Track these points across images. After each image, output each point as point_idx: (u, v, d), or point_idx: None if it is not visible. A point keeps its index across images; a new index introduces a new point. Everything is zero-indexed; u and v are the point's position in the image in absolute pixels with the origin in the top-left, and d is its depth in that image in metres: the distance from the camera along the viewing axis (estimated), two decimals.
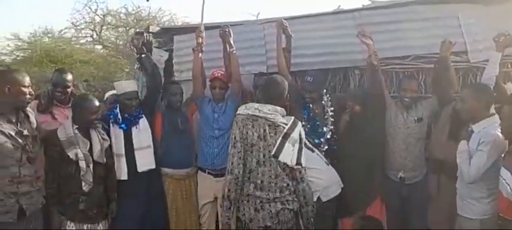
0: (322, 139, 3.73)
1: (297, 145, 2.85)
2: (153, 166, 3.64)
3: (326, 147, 3.70)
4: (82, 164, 3.10)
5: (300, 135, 2.88)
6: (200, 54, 3.86)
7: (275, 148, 2.81)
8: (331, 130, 3.75)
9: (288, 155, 2.82)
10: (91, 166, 3.16)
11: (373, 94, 3.66)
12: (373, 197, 3.63)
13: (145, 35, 3.82)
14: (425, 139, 3.64)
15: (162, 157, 3.74)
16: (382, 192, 3.66)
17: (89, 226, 3.21)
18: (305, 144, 3.04)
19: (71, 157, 3.09)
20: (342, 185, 3.44)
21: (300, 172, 2.88)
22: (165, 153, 3.77)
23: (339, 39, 4.31)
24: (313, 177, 3.13)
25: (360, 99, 3.62)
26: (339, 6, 5.01)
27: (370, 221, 3.28)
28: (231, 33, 3.83)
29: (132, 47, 3.92)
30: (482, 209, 2.87)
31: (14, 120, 2.86)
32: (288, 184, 2.86)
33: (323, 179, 3.31)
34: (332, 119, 3.77)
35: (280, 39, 3.83)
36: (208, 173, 3.78)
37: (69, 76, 3.64)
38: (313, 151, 3.43)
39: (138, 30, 7.28)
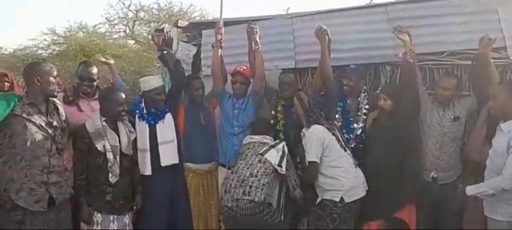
0: (351, 135, 3.67)
1: (280, 152, 3.40)
2: (177, 161, 3.65)
3: (354, 144, 3.63)
4: (109, 156, 3.14)
5: (283, 148, 3.45)
6: (219, 50, 3.84)
7: (263, 150, 3.42)
8: (361, 127, 3.69)
9: (272, 157, 3.36)
10: (118, 158, 3.19)
11: (408, 91, 3.52)
12: (404, 198, 3.47)
13: (165, 31, 3.81)
14: (463, 139, 3.50)
15: (184, 151, 3.76)
16: (413, 192, 3.51)
17: (116, 216, 3.25)
18: (339, 141, 3.37)
19: (99, 148, 3.13)
20: (367, 188, 3.38)
21: (295, 180, 3.47)
22: (187, 147, 3.79)
23: (370, 34, 4.18)
24: (339, 176, 3.29)
25: (395, 95, 3.50)
26: (371, 0, 4.88)
27: (394, 222, 3.22)
28: (257, 30, 3.79)
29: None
30: (510, 211, 2.76)
31: (44, 111, 2.93)
32: (258, 178, 3.24)
33: (349, 179, 3.31)
34: (365, 117, 3.70)
35: (325, 48, 3.63)
36: (229, 169, 3.74)
37: (95, 70, 3.70)
38: (345, 150, 3.39)
39: (167, 25, 7.33)
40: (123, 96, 3.30)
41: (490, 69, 3.34)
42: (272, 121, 3.82)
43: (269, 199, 3.21)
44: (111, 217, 3.23)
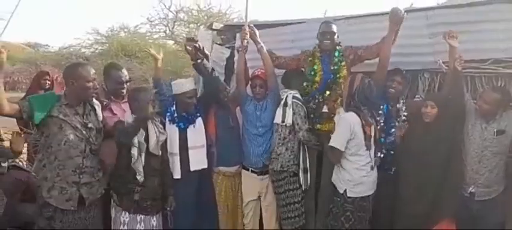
0: (387, 140, 3.55)
1: (282, 108, 3.67)
2: (205, 166, 3.67)
3: (385, 151, 3.50)
4: (134, 151, 3.13)
5: (286, 99, 3.69)
6: (244, 54, 3.87)
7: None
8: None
9: (278, 117, 3.70)
10: (143, 155, 3.18)
11: (454, 101, 3.39)
12: (444, 213, 3.34)
13: (198, 43, 3.78)
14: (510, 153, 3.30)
15: (217, 155, 3.78)
16: (451, 207, 3.36)
17: (143, 217, 3.27)
18: (366, 140, 3.29)
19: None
20: (375, 189, 3.37)
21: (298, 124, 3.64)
22: (220, 151, 3.80)
23: (409, 40, 4.02)
24: (350, 170, 3.32)
25: (442, 104, 3.35)
26: (412, 4, 4.73)
27: None
28: (256, 31, 3.86)
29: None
30: None
31: (80, 112, 3.00)
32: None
33: (358, 176, 3.30)
34: (404, 124, 3.60)
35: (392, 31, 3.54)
36: (252, 172, 3.82)
37: (125, 72, 3.70)
38: (367, 150, 3.30)
39: (202, 27, 7.39)
40: (151, 96, 3.30)
41: None
42: (309, 74, 3.80)
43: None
44: (138, 218, 3.25)
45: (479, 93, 3.56)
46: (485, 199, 3.28)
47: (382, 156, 3.43)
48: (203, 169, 3.66)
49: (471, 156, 3.30)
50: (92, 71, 3.03)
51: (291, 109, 3.62)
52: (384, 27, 4.00)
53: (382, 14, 4.28)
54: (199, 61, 3.72)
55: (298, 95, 3.71)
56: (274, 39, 4.32)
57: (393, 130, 3.57)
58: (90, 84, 2.99)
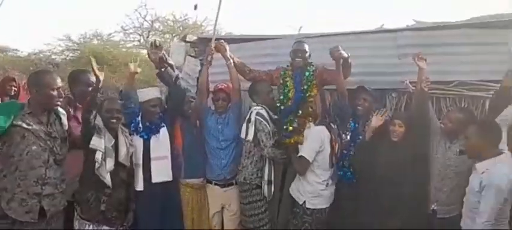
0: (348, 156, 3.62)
1: (245, 123, 3.70)
2: (170, 179, 3.59)
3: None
4: (98, 155, 3.06)
5: (250, 115, 3.70)
6: (207, 68, 3.91)
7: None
8: None
9: (243, 132, 3.71)
10: (110, 161, 3.12)
11: (420, 121, 3.45)
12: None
13: (162, 52, 3.72)
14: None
15: (184, 167, 3.75)
16: (414, 224, 3.41)
17: (107, 229, 3.20)
18: (331, 155, 3.47)
19: (90, 146, 3.06)
20: (330, 202, 3.50)
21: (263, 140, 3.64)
22: (186, 163, 3.78)
23: (378, 60, 4.14)
24: (312, 182, 3.47)
25: (409, 123, 3.42)
26: (382, 25, 4.85)
27: None
28: (227, 46, 3.91)
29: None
30: None
31: (44, 121, 2.91)
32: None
33: (318, 189, 3.46)
34: None
35: (339, 66, 3.63)
36: (216, 184, 3.84)
37: (92, 76, 3.54)
38: (332, 166, 3.50)
39: (176, 39, 7.35)
40: (118, 106, 3.27)
41: (510, 102, 3.23)
42: (281, 90, 3.86)
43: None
44: (103, 228, 3.18)
45: (445, 113, 3.67)
46: (446, 216, 3.35)
47: (341, 173, 3.57)
48: (168, 182, 3.58)
49: (435, 174, 3.37)
50: (58, 79, 2.94)
51: (253, 126, 3.66)
52: (356, 46, 4.11)
53: (355, 33, 4.40)
54: (163, 70, 3.65)
55: (262, 111, 3.72)
56: (249, 53, 4.35)
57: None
58: (55, 92, 2.89)
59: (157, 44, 3.63)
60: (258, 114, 3.69)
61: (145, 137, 3.54)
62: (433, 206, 3.37)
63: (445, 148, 3.37)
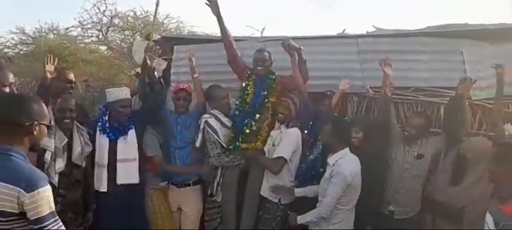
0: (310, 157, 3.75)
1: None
2: (136, 181, 3.54)
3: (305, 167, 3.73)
4: (47, 155, 3.00)
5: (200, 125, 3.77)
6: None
7: None
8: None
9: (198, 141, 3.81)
10: (60, 162, 3.07)
11: (381, 125, 3.62)
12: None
13: (136, 48, 3.74)
14: (427, 177, 3.53)
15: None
16: (372, 224, 3.54)
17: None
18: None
19: (41, 145, 2.97)
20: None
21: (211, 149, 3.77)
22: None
23: (340, 64, 4.24)
24: (286, 182, 3.64)
25: (366, 128, 3.58)
26: (344, 30, 4.94)
27: None
28: (193, 59, 3.98)
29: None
30: None
31: None
32: None
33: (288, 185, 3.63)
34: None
35: (294, 59, 3.79)
36: (172, 184, 3.88)
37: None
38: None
39: (139, 37, 7.23)
40: (71, 105, 3.22)
41: (465, 110, 3.40)
42: (242, 93, 3.93)
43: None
44: None
45: (406, 118, 3.81)
46: (403, 217, 3.49)
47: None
48: (134, 184, 3.53)
49: (393, 176, 3.50)
50: (10, 75, 2.84)
51: (201, 134, 3.77)
52: (318, 51, 4.18)
53: (317, 37, 4.47)
54: (156, 79, 3.71)
55: (211, 120, 3.77)
56: (213, 54, 4.35)
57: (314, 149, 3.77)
58: (6, 88, 2.78)
59: (152, 47, 3.72)
60: (206, 123, 3.75)
61: (113, 138, 3.47)
62: (390, 207, 3.50)
63: (404, 151, 3.51)
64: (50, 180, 2.91)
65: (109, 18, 12.01)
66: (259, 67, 3.89)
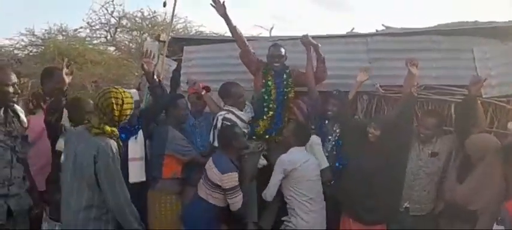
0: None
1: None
2: (144, 179, 3.61)
3: None
4: (62, 157, 2.96)
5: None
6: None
7: None
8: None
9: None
10: None
11: (401, 123, 3.62)
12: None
13: (146, 47, 3.77)
14: (441, 175, 3.51)
15: None
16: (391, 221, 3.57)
17: None
18: None
19: (57, 148, 3.02)
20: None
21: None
22: None
23: (349, 63, 4.23)
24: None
25: (385, 126, 3.57)
26: (353, 29, 4.94)
27: None
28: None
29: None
30: None
31: (2, 121, 2.78)
32: None
33: None
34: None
35: (310, 56, 3.88)
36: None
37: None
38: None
39: (149, 38, 7.25)
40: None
41: (477, 109, 3.37)
42: (265, 88, 3.96)
43: None
44: None
45: (418, 117, 3.80)
46: (418, 214, 3.48)
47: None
48: (141, 183, 3.58)
49: (408, 173, 3.50)
50: (12, 75, 2.80)
51: (216, 131, 3.75)
52: (328, 50, 4.17)
53: (326, 36, 4.46)
54: (156, 83, 3.72)
55: (229, 115, 3.77)
56: (225, 54, 4.37)
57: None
58: (10, 88, 2.76)
59: (149, 53, 3.69)
60: (224, 119, 3.74)
61: (125, 138, 3.50)
62: (405, 204, 3.50)
63: (419, 149, 3.51)
64: None
65: (117, 19, 12.09)
66: (276, 64, 3.93)
